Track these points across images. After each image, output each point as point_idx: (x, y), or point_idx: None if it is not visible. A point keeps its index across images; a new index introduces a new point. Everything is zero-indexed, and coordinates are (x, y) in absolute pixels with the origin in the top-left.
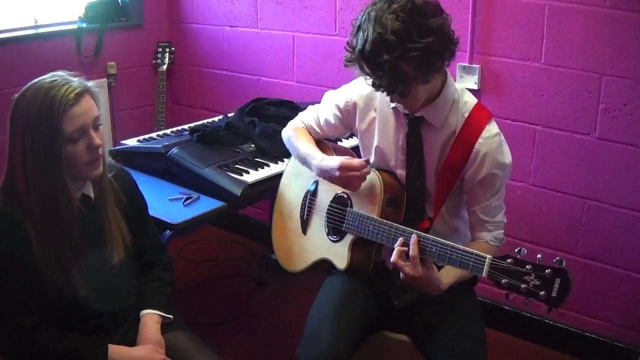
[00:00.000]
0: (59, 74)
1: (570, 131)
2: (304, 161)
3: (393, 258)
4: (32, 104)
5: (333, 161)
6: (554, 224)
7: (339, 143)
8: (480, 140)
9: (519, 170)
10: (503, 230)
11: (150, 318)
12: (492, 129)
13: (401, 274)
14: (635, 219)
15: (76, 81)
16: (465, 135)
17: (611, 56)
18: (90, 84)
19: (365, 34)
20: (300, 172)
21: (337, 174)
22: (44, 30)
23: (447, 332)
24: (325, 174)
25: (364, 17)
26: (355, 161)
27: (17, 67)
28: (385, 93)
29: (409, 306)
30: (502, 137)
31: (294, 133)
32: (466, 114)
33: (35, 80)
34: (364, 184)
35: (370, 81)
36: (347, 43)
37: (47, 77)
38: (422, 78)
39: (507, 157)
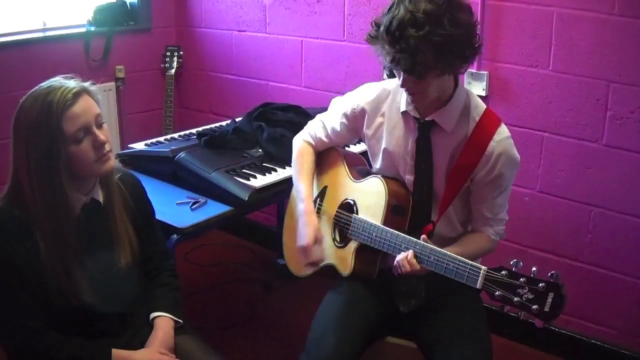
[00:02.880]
0: (55, 79)
1: (577, 138)
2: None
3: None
4: (32, 110)
5: (307, 229)
6: (560, 230)
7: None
8: (492, 143)
9: (526, 176)
10: (504, 227)
11: (166, 322)
12: (503, 131)
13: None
14: None
15: (72, 82)
16: (477, 138)
17: (619, 63)
18: (87, 83)
19: (396, 11)
20: None
21: (297, 243)
22: (53, 34)
23: (453, 339)
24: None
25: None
26: (314, 255)
27: (25, 70)
28: (402, 74)
29: (414, 313)
30: (512, 140)
31: (295, 159)
32: (477, 118)
33: (33, 89)
34: (369, 191)
35: (389, 58)
36: (374, 21)
37: (44, 84)
38: (439, 68)
39: (518, 158)
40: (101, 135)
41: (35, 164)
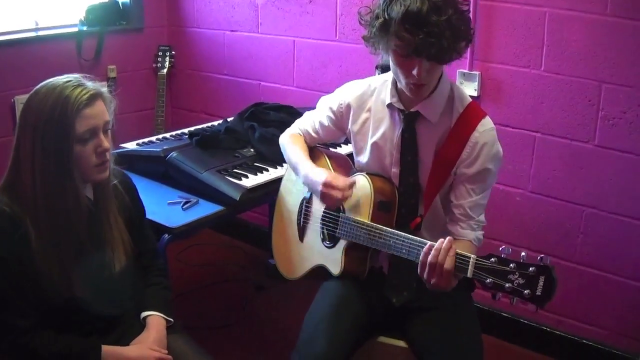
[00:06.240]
0: (74, 76)
1: (569, 138)
2: (294, 169)
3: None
4: (46, 101)
5: (319, 175)
6: (552, 231)
7: (337, 149)
8: (476, 133)
9: (517, 177)
10: (483, 232)
11: (158, 321)
12: (487, 122)
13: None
14: (634, 226)
15: (90, 84)
16: (460, 128)
17: (611, 64)
18: (104, 89)
19: (408, 1)
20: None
21: (319, 188)
22: (45, 33)
23: (444, 338)
24: (310, 186)
25: None
26: (341, 180)
27: (17, 70)
28: (420, 63)
29: (405, 312)
30: (496, 133)
31: (288, 140)
32: (461, 109)
33: (49, 80)
34: (355, 189)
35: (409, 48)
36: (376, 15)
37: (62, 78)
38: (456, 50)
39: (501, 152)
40: (105, 141)
41: (41, 154)
